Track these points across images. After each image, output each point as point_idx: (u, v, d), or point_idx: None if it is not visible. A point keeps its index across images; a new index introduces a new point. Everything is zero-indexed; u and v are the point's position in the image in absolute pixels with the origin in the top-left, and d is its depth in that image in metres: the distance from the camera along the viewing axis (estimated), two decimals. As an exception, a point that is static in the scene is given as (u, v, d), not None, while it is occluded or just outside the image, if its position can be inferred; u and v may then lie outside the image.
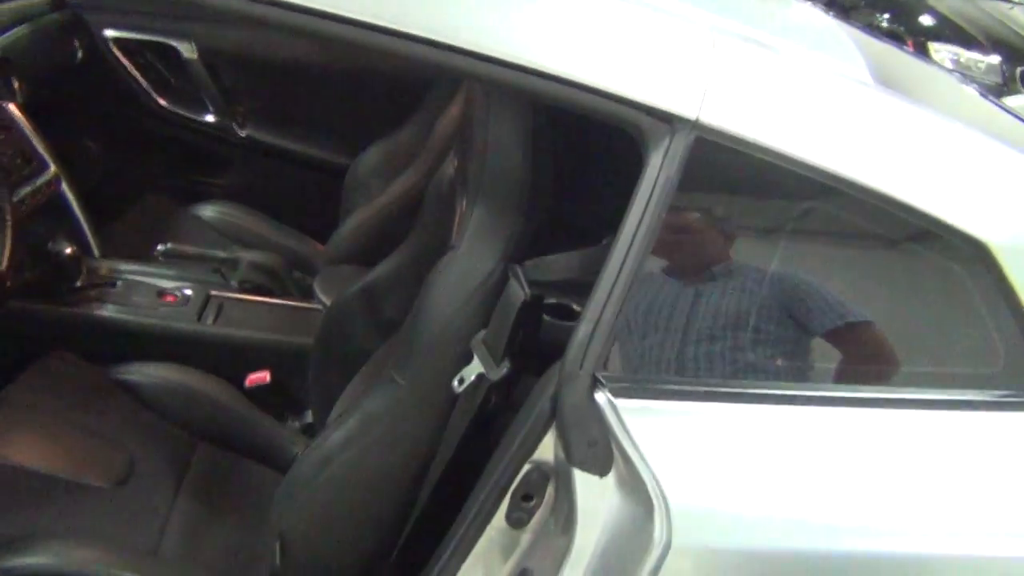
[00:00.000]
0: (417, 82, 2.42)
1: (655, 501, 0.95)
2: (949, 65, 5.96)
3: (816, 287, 1.08)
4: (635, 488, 0.97)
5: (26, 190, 1.87)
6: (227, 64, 2.58)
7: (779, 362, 1.09)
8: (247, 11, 0.96)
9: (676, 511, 0.95)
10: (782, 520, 1.00)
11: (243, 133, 2.68)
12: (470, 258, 1.23)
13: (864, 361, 1.11)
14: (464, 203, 1.31)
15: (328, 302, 1.95)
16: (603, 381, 1.00)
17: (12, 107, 1.99)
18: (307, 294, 2.19)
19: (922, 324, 1.11)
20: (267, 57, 2.54)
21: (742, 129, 0.98)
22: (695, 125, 0.97)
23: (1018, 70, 5.98)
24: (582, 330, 0.99)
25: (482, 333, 1.22)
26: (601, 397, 1.00)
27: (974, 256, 1.02)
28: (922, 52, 6.00)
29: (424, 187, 1.87)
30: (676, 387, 1.04)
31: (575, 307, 1.29)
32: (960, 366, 1.09)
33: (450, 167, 1.63)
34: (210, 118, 2.66)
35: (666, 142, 0.97)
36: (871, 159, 1.02)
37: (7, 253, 1.55)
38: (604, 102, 0.98)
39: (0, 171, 1.74)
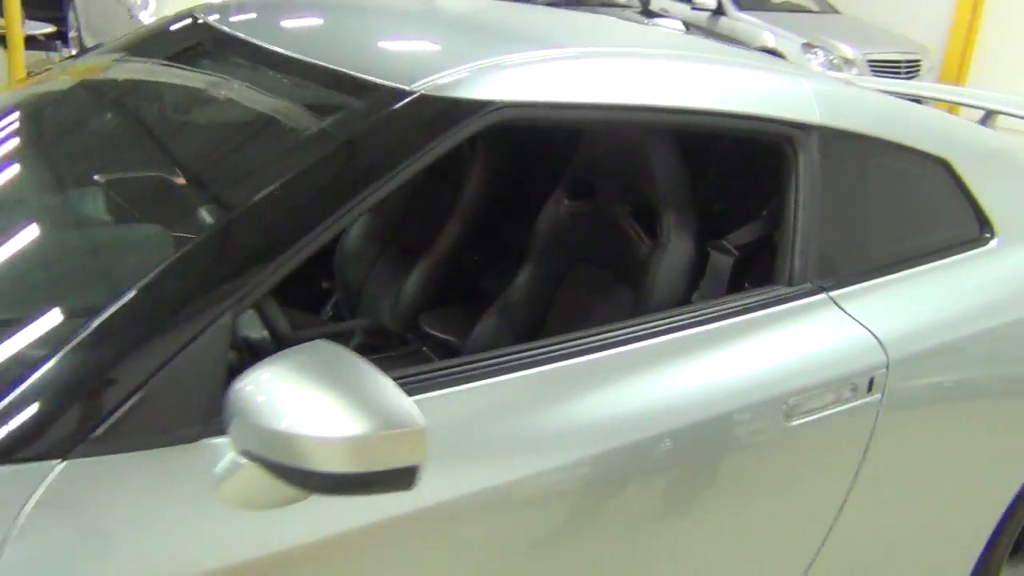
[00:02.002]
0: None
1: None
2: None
3: None
4: None
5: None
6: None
7: None
8: None
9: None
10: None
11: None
12: (678, 246, 1.74)
13: None
14: (627, 218, 1.88)
15: (456, 339, 2.11)
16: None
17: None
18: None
19: None
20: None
21: (844, 123, 1.64)
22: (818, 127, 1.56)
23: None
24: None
25: (695, 294, 1.75)
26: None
27: None
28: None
29: (468, 232, 2.25)
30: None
31: None
32: None
33: (560, 205, 2.03)
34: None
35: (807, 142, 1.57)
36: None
37: None
38: (766, 125, 1.58)
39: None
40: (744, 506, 1.53)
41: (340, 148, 1.29)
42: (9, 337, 1.13)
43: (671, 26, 7.12)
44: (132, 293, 1.12)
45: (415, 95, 1.33)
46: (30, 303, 1.24)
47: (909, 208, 1.78)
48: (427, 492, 1.15)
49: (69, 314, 1.20)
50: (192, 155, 1.59)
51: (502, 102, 1.34)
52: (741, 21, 8.30)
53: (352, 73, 1.43)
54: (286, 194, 1.22)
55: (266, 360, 1.07)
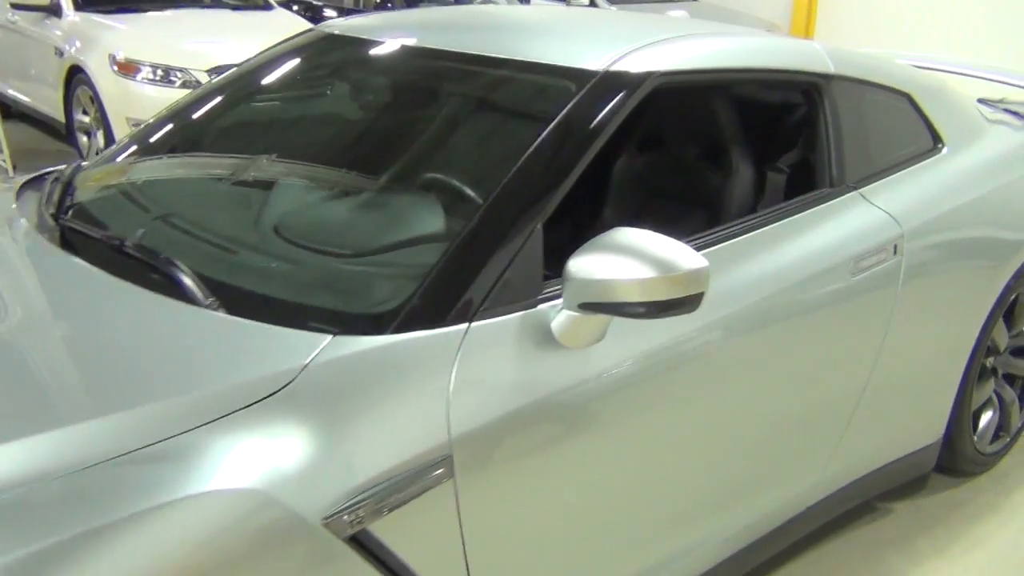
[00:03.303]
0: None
1: None
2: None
3: None
4: None
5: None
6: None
7: None
8: None
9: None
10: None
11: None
12: (744, 171, 2.38)
13: None
14: (695, 158, 2.58)
15: None
16: None
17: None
18: None
19: None
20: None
21: (848, 72, 2.33)
22: (834, 76, 2.19)
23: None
24: None
25: (760, 204, 2.36)
26: None
27: None
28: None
29: None
30: None
31: None
32: None
33: (632, 156, 2.61)
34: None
35: (828, 87, 2.25)
36: None
37: None
38: (806, 76, 2.20)
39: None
40: (828, 344, 2.19)
41: (564, 118, 1.85)
42: (415, 248, 1.71)
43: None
44: (477, 218, 1.68)
45: (602, 72, 1.92)
46: (413, 233, 1.80)
47: (889, 129, 2.50)
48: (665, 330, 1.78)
49: (444, 236, 1.76)
50: (459, 136, 2.16)
51: (660, 72, 1.95)
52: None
53: (545, 61, 2.00)
54: (540, 156, 1.78)
55: (584, 246, 1.64)
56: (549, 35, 2.26)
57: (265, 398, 1.40)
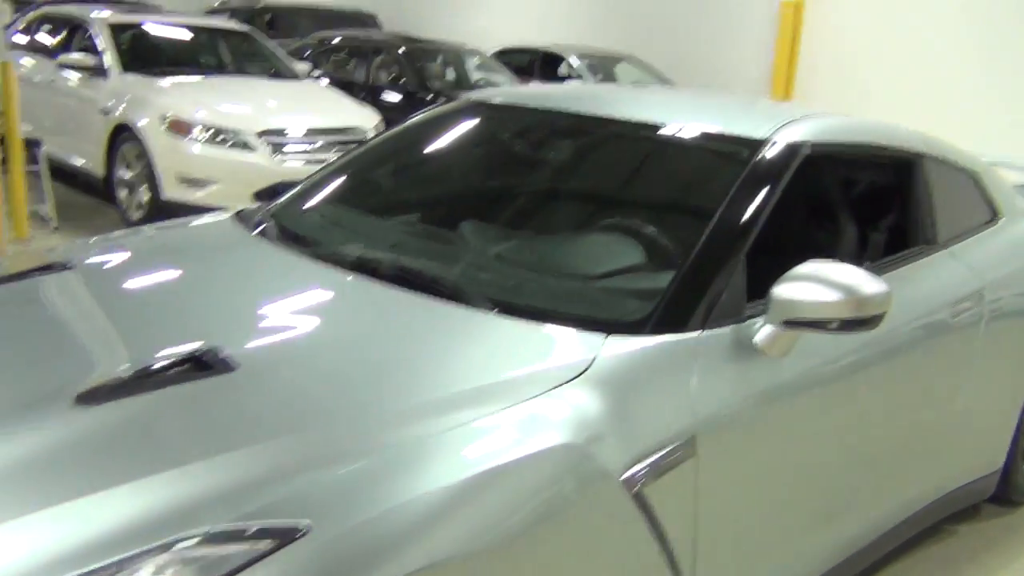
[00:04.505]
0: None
1: None
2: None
3: None
4: None
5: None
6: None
7: None
8: None
9: None
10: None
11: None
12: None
13: None
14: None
15: None
16: None
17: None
18: None
19: None
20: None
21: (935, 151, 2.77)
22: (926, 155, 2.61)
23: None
24: None
25: None
26: None
27: None
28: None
29: None
30: None
31: None
32: None
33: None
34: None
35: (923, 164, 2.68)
36: None
37: None
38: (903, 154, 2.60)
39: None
40: (934, 374, 2.61)
41: (748, 177, 2.26)
42: (643, 273, 2.08)
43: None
44: (700, 248, 2.07)
45: (770, 140, 2.34)
46: (639, 262, 2.18)
47: (964, 201, 2.96)
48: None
49: (665, 265, 2.16)
50: (659, 186, 2.57)
51: (811, 142, 2.38)
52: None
53: (722, 131, 2.42)
54: (734, 209, 2.18)
55: (785, 275, 2.02)
56: (703, 109, 2.70)
57: (573, 379, 1.75)
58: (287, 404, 1.67)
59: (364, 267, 2.17)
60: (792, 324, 1.99)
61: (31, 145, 6.45)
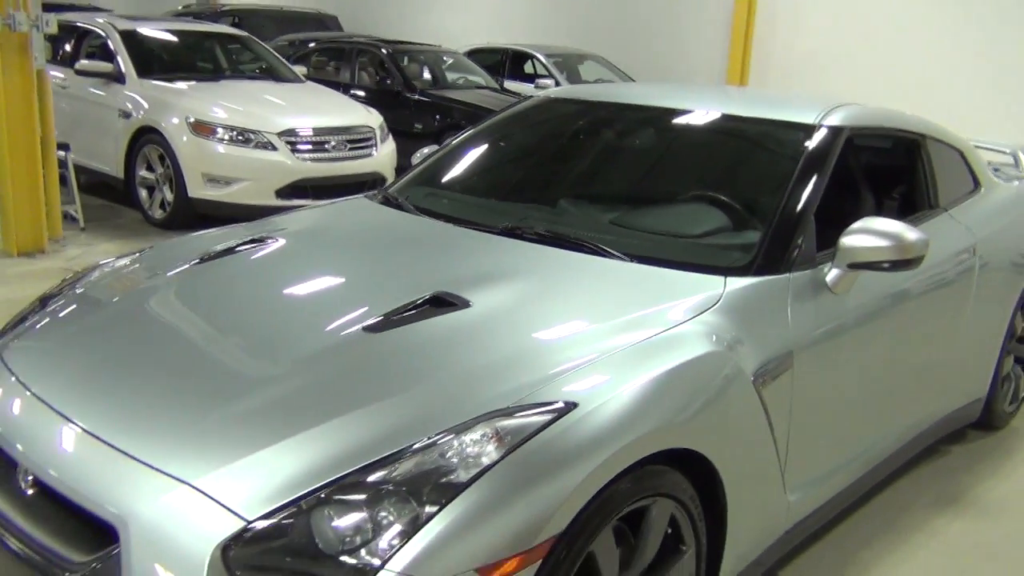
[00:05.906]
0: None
1: None
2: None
3: None
4: None
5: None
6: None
7: None
8: None
9: None
10: None
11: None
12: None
13: None
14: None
15: None
16: None
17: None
18: None
19: None
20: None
21: (934, 133, 3.36)
22: (927, 135, 3.39)
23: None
24: None
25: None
26: None
27: None
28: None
29: None
30: None
31: None
32: None
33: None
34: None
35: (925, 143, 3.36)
36: None
37: None
38: (913, 135, 3.27)
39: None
40: (944, 313, 3.25)
41: (809, 155, 2.85)
42: (738, 232, 2.68)
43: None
44: (781, 211, 2.66)
45: (818, 124, 2.95)
46: (732, 223, 2.77)
47: (954, 172, 3.61)
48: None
49: (753, 225, 2.74)
50: (724, 169, 3.15)
51: (851, 126, 2.99)
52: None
53: (780, 118, 3.02)
54: (803, 179, 2.77)
55: (848, 228, 2.62)
56: (754, 100, 3.31)
57: (712, 307, 2.33)
58: (524, 327, 2.23)
59: (513, 232, 2.73)
60: (854, 266, 2.60)
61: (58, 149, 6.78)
